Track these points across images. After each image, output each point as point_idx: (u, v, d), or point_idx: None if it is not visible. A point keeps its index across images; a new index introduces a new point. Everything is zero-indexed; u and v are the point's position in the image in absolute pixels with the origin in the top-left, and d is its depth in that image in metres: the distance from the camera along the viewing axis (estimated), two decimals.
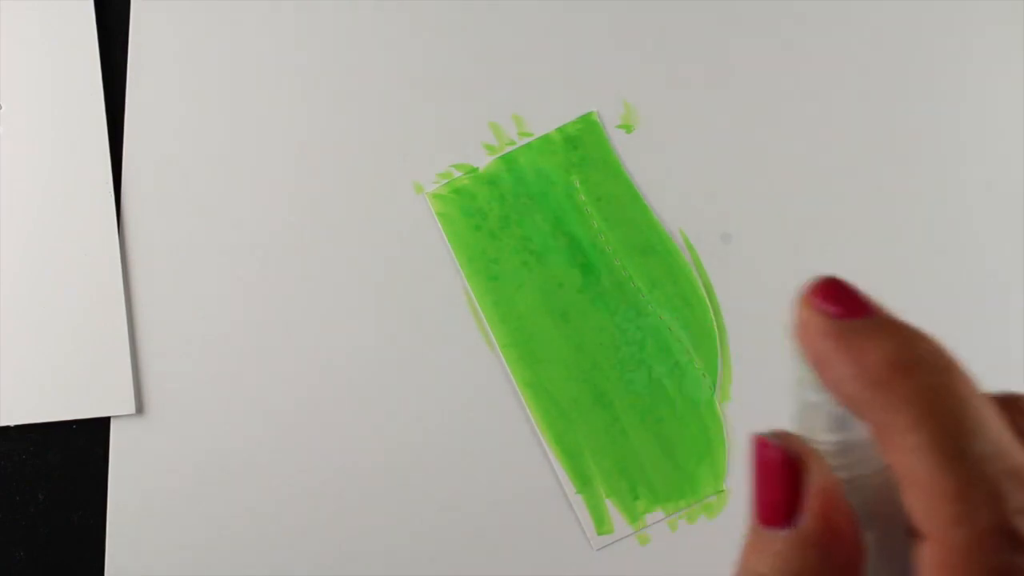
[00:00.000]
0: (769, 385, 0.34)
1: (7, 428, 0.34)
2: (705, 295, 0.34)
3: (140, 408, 0.34)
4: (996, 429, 0.16)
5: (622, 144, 0.35)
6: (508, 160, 0.34)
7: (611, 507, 0.33)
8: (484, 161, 0.34)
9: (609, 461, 0.33)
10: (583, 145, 0.34)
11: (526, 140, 0.35)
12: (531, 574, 0.33)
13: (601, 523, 0.33)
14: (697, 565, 0.33)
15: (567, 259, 0.34)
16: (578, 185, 0.34)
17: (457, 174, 0.34)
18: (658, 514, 0.33)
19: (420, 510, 0.33)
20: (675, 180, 0.34)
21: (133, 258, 0.34)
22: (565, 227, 0.34)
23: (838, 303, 0.21)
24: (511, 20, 0.35)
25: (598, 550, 0.33)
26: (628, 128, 0.35)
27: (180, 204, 0.35)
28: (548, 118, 0.35)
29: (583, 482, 0.33)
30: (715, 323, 0.34)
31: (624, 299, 0.34)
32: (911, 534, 0.16)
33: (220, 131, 0.35)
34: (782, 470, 0.18)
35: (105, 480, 0.33)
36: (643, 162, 0.35)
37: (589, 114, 0.34)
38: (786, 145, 0.35)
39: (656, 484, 0.33)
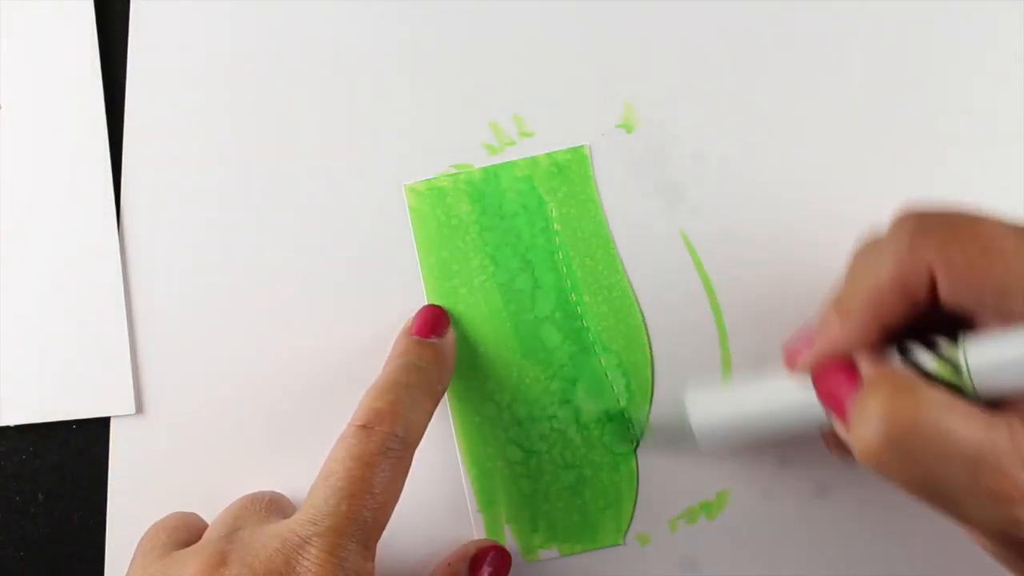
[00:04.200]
0: None
1: (7, 428, 0.34)
2: (705, 290, 0.34)
3: (140, 408, 0.34)
4: None
5: (621, 145, 0.34)
6: (490, 173, 0.34)
7: (509, 533, 0.33)
8: (484, 161, 0.34)
9: (516, 489, 0.33)
10: (567, 176, 0.34)
11: (526, 140, 0.35)
12: None
13: None
14: (696, 565, 0.33)
15: (524, 282, 0.34)
16: (553, 214, 0.34)
17: (456, 172, 0.34)
18: (553, 551, 0.33)
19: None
20: (675, 179, 0.34)
21: (133, 258, 0.34)
22: (530, 251, 0.34)
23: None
24: (511, 19, 0.35)
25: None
26: (628, 128, 0.35)
27: (180, 205, 0.35)
28: (548, 118, 0.35)
29: (487, 502, 0.33)
30: (716, 324, 0.34)
31: (571, 335, 0.33)
32: None
33: (221, 132, 0.35)
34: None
35: (105, 480, 0.33)
36: (643, 162, 0.34)
37: (580, 147, 0.34)
38: (789, 143, 0.35)
39: (557, 523, 0.33)
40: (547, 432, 0.33)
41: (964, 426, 0.22)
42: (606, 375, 0.33)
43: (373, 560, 0.26)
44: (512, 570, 0.32)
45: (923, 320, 0.25)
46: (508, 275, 0.34)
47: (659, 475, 0.33)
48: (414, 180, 0.34)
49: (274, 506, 0.30)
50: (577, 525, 0.33)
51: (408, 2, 0.35)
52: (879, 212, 0.35)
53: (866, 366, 0.25)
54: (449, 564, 0.31)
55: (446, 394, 0.33)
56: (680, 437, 0.30)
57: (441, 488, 0.33)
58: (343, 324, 0.34)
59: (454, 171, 0.34)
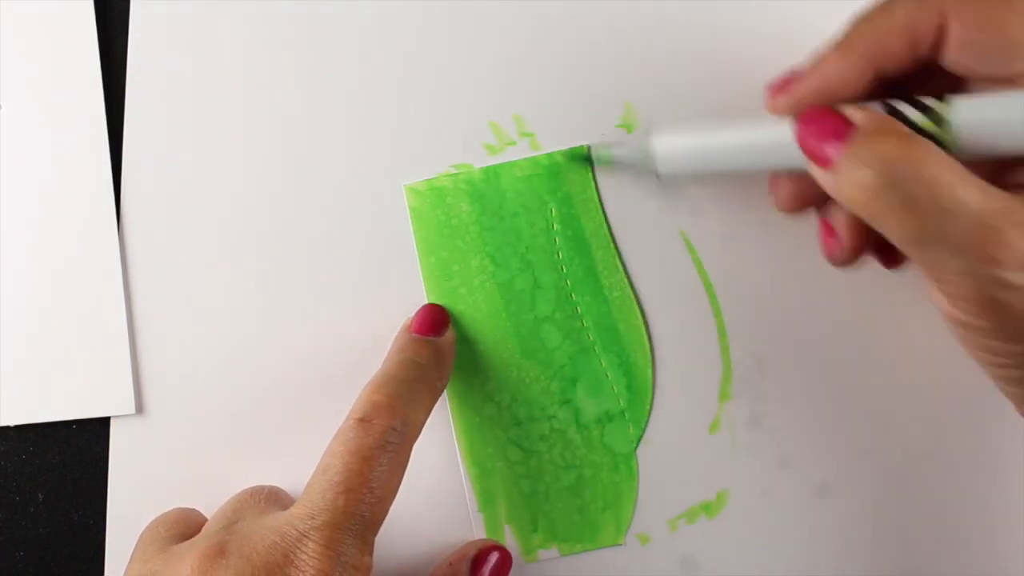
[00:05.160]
0: (770, 382, 0.34)
1: (7, 428, 0.34)
2: (705, 291, 0.34)
3: (140, 408, 0.34)
4: None
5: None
6: (490, 173, 0.34)
7: (508, 533, 0.33)
8: (484, 161, 0.34)
9: (516, 488, 0.33)
10: (568, 177, 0.34)
11: (526, 140, 0.35)
12: None
13: None
14: (696, 565, 0.33)
15: (524, 282, 0.34)
16: (554, 213, 0.34)
17: (456, 172, 0.34)
18: (553, 551, 0.33)
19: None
20: (675, 179, 0.34)
21: (133, 258, 0.34)
22: (530, 251, 0.34)
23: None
24: (511, 20, 0.35)
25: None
26: (628, 128, 0.35)
27: (180, 204, 0.35)
28: (549, 118, 0.35)
29: (486, 501, 0.33)
30: (716, 324, 0.34)
31: (571, 335, 0.33)
32: None
33: (221, 131, 0.35)
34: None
35: (105, 480, 0.33)
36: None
37: (580, 147, 0.34)
38: None
39: (557, 522, 0.33)
40: (547, 432, 0.33)
41: (965, 183, 0.23)
42: (606, 375, 0.33)
43: (371, 554, 0.26)
44: (512, 570, 0.32)
45: (912, 87, 0.26)
46: (508, 275, 0.34)
47: (659, 475, 0.33)
48: (414, 180, 0.34)
49: (273, 498, 0.30)
50: (577, 525, 0.33)
51: (409, 3, 0.35)
52: None
53: (861, 114, 0.25)
54: (450, 564, 0.32)
55: (446, 394, 0.33)
56: (641, 161, 0.31)
57: (441, 488, 0.33)
58: (343, 324, 0.34)
59: (454, 171, 0.34)
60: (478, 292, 0.34)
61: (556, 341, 0.33)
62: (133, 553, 0.29)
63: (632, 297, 0.34)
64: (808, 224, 0.34)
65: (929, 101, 0.25)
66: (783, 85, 0.27)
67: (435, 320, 0.33)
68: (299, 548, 0.25)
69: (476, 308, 0.34)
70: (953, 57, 0.25)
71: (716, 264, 0.34)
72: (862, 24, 0.26)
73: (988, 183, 0.23)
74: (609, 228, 0.34)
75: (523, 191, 0.34)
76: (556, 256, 0.34)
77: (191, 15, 0.36)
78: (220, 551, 0.25)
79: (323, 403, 0.33)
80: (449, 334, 0.33)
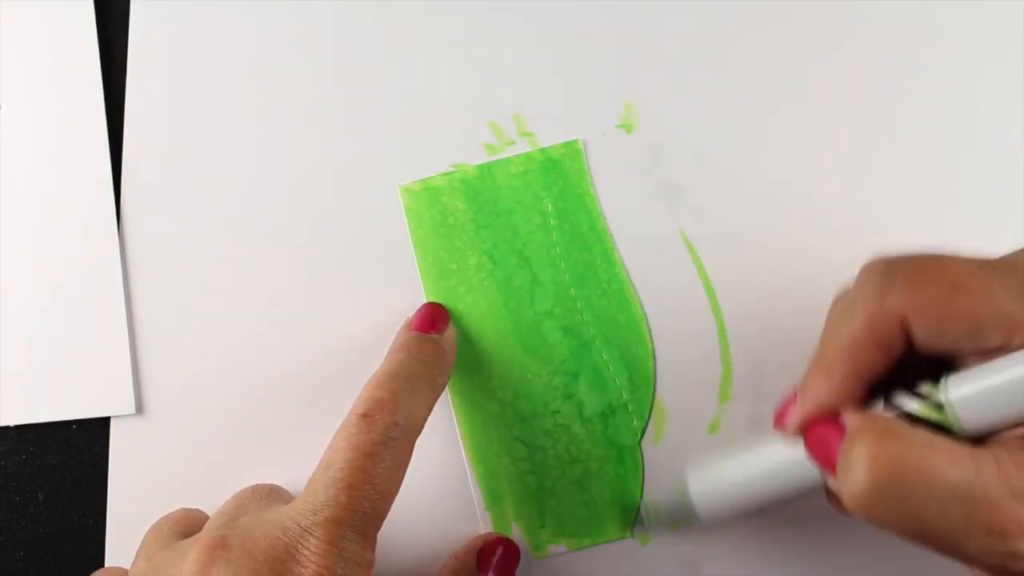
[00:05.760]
0: (770, 382, 0.34)
1: (7, 428, 0.34)
2: (706, 290, 0.34)
3: (140, 408, 0.34)
4: None
5: (621, 144, 0.34)
6: (485, 170, 0.34)
7: (516, 530, 0.33)
8: (484, 161, 0.34)
9: (522, 485, 0.33)
10: (562, 171, 0.34)
11: (526, 140, 0.35)
12: None
13: None
14: (696, 565, 0.33)
15: (523, 278, 0.34)
16: (549, 209, 0.34)
17: (451, 171, 0.34)
18: (561, 547, 0.33)
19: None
20: (675, 179, 0.34)
21: (133, 258, 0.35)
22: (528, 248, 0.34)
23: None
24: (511, 19, 0.35)
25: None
26: (628, 128, 0.35)
27: (180, 204, 0.35)
28: (548, 118, 0.35)
29: (493, 499, 0.33)
30: (716, 324, 0.34)
31: (571, 329, 0.33)
32: None
33: (221, 131, 0.35)
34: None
35: (105, 480, 0.33)
36: (643, 162, 0.34)
37: (574, 141, 0.34)
38: (788, 143, 0.35)
39: (564, 518, 0.33)
40: (551, 427, 0.33)
41: (950, 464, 0.22)
42: (608, 368, 0.33)
43: (373, 550, 0.26)
44: (520, 566, 0.32)
45: (909, 365, 0.25)
46: (506, 272, 0.34)
47: (659, 475, 0.33)
48: (413, 180, 0.34)
49: (274, 495, 0.30)
50: (584, 519, 0.33)
51: (409, 3, 0.35)
52: (878, 212, 0.35)
53: (850, 417, 0.24)
54: (456, 557, 0.32)
55: (449, 393, 0.33)
56: (683, 514, 0.30)
57: (447, 487, 0.33)
58: (342, 326, 0.34)
59: (453, 171, 0.34)
60: (477, 290, 0.34)
61: (557, 336, 0.33)
62: (138, 551, 0.29)
63: (631, 288, 0.34)
64: (808, 223, 0.34)
65: (924, 385, 0.24)
66: (784, 414, 0.27)
67: (435, 317, 0.33)
68: (301, 543, 0.25)
69: (475, 306, 0.34)
70: (926, 346, 0.24)
71: (716, 264, 0.34)
72: (829, 340, 0.26)
73: (977, 449, 0.22)
74: (605, 221, 0.34)
75: (518, 187, 0.34)
76: (553, 251, 0.34)
77: (191, 15, 0.36)
78: (222, 544, 0.25)
79: (323, 403, 0.33)
80: (450, 332, 0.33)
